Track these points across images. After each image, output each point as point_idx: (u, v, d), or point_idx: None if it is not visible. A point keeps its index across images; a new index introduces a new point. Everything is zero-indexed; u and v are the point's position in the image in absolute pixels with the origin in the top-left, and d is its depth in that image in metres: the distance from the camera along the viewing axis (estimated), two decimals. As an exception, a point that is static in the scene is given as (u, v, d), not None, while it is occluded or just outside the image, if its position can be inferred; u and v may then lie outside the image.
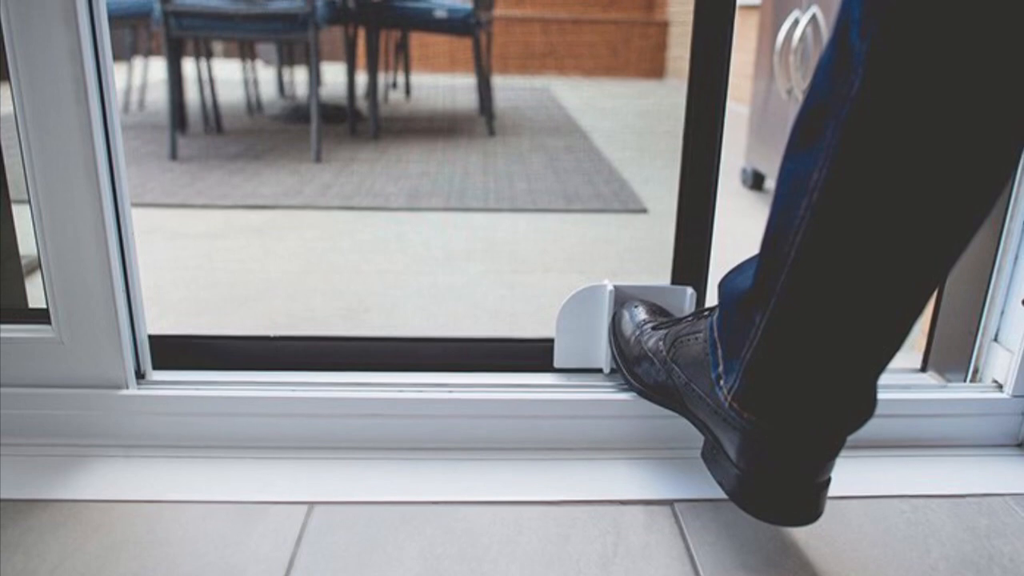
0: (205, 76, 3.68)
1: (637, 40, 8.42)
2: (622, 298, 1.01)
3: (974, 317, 1.02)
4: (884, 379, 0.71)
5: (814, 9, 2.53)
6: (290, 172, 3.00)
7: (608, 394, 0.98)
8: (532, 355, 1.04)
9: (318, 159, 3.21)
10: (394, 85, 5.66)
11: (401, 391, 0.96)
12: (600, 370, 1.03)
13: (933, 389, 1.03)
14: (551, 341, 1.02)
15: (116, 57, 0.88)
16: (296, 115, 4.29)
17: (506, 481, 0.91)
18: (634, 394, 0.96)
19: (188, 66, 3.52)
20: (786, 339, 0.70)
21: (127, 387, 0.95)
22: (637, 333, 0.94)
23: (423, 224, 2.43)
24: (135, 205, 0.92)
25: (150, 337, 0.98)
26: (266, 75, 5.27)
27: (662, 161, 3.52)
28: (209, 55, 3.74)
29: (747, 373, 0.73)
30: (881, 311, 0.66)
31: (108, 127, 0.88)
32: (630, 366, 0.95)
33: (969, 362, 1.03)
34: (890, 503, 0.89)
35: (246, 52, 4.34)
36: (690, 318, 0.89)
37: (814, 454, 0.73)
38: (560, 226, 2.44)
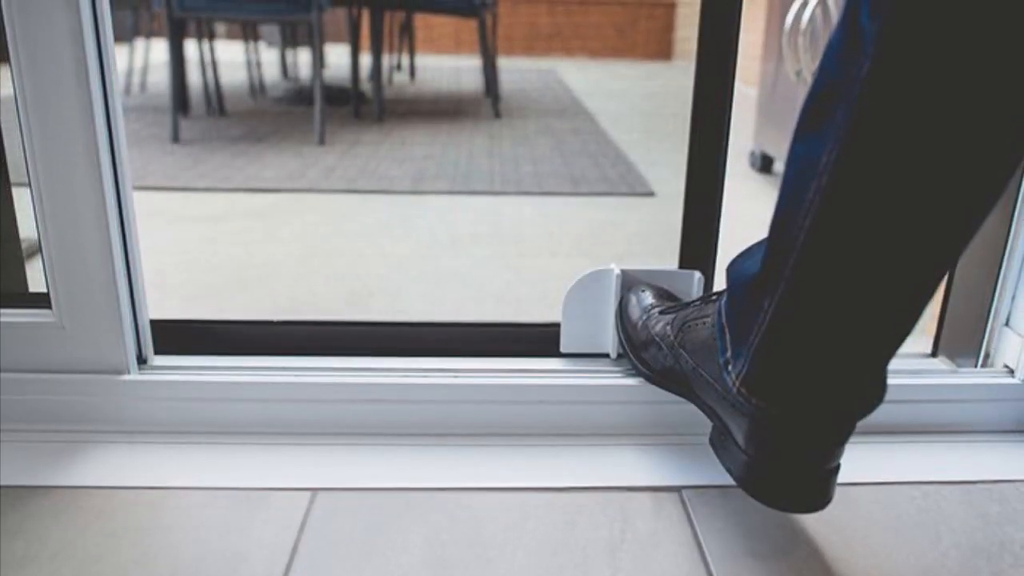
0: (207, 58, 3.67)
1: (644, 21, 8.37)
2: (629, 282, 1.00)
3: (985, 302, 1.01)
4: (894, 364, 0.70)
5: (823, -11, 2.50)
6: (293, 155, 2.98)
7: (615, 379, 0.97)
8: (538, 340, 1.03)
9: (322, 142, 3.20)
10: (398, 67, 5.63)
11: (406, 376, 0.96)
12: (607, 355, 1.02)
13: (944, 374, 1.02)
14: (557, 325, 1.01)
15: (117, 38, 0.87)
16: (299, 97, 4.28)
17: (512, 467, 0.91)
18: (641, 379, 0.95)
19: (190, 48, 3.50)
20: (795, 324, 0.69)
21: (128, 372, 0.94)
22: (644, 318, 0.93)
23: (428, 208, 2.42)
24: (136, 188, 0.91)
25: (152, 321, 0.97)
26: (269, 57, 5.25)
27: (670, 143, 3.50)
28: (211, 36, 3.72)
29: (755, 358, 0.72)
30: (891, 296, 0.65)
31: (109, 109, 0.87)
32: (637, 351, 0.94)
33: (980, 347, 1.02)
34: (900, 489, 0.88)
35: (249, 34, 4.31)
36: (698, 303, 0.88)
37: (823, 440, 0.72)
38: (566, 209, 2.42)
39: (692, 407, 0.87)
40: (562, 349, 1.02)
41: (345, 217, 2.29)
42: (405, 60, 5.56)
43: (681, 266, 1.02)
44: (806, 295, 0.67)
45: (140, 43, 4.32)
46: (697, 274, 1.00)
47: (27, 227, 0.96)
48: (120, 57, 1.02)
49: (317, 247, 2.02)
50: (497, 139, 3.44)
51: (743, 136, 3.15)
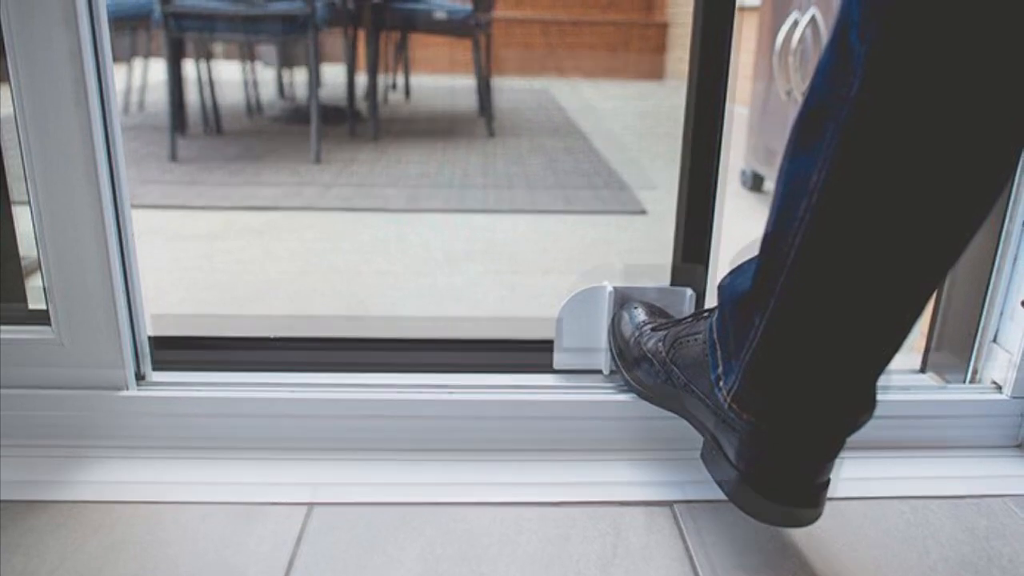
0: (205, 77, 3.68)
1: (636, 42, 8.42)
2: (622, 299, 1.01)
3: (973, 318, 1.02)
4: (883, 380, 0.71)
5: (813, 10, 2.53)
6: (290, 173, 2.99)
7: (607, 395, 0.98)
8: (532, 356, 1.04)
9: (318, 160, 3.21)
10: (394, 86, 5.65)
11: (401, 392, 0.96)
12: (600, 371, 1.03)
13: (932, 390, 1.03)
14: (551, 342, 1.02)
15: (116, 58, 0.88)
16: (296, 116, 4.29)
17: (506, 482, 0.91)
18: (633, 395, 0.96)
19: (188, 67, 3.52)
20: (785, 340, 0.70)
21: (127, 388, 0.95)
22: (636, 334, 0.94)
23: (423, 225, 2.43)
24: (135, 206, 0.92)
25: (150, 338, 0.98)
26: (266, 76, 5.27)
27: (662, 162, 3.52)
28: (209, 56, 3.73)
29: (746, 374, 0.73)
30: (881, 312, 0.66)
31: (108, 128, 0.88)
32: (629, 367, 0.95)
33: (968, 363, 1.03)
34: (889, 504, 0.89)
35: (246, 53, 4.33)
36: (690, 319, 0.89)
37: (814, 455, 0.73)
38: (560, 227, 2.44)
39: (683, 422, 0.88)
40: (555, 366, 1.03)
41: (341, 235, 2.30)
42: (400, 80, 5.57)
43: (673, 283, 1.03)
44: (797, 312, 0.68)
45: (139, 63, 4.33)
46: (689, 291, 1.01)
47: (27, 245, 0.97)
48: (119, 76, 1.03)
49: (313, 264, 2.03)
50: (491, 158, 3.45)
51: (734, 155, 3.16)
